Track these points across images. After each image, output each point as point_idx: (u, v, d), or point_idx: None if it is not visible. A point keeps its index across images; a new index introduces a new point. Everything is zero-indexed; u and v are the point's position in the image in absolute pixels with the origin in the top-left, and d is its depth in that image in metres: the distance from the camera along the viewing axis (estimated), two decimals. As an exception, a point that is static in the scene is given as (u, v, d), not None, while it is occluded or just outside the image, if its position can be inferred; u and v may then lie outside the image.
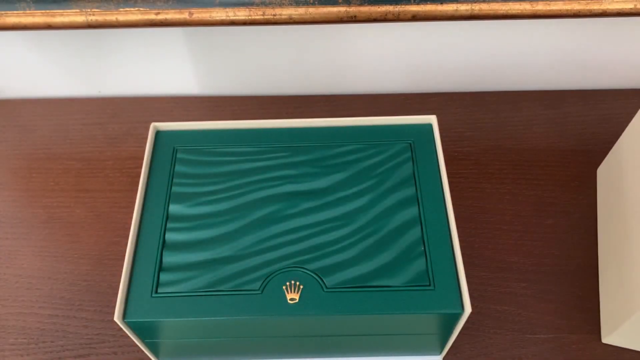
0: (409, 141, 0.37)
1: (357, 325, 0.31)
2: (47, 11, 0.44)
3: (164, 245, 0.32)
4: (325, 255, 0.32)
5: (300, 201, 0.34)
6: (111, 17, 0.44)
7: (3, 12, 0.44)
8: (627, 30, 0.50)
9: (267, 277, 0.31)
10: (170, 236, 0.33)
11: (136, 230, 0.33)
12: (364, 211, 0.33)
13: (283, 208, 0.34)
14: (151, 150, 0.36)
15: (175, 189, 0.34)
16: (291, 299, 0.30)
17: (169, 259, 0.32)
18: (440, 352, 0.35)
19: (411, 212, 0.33)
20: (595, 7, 0.44)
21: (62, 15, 0.44)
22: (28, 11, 0.44)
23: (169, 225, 0.33)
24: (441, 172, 0.35)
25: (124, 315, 0.30)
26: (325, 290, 0.31)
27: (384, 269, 0.31)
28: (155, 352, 0.34)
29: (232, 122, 0.37)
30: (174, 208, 0.34)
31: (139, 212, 0.33)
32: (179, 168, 0.35)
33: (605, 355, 0.37)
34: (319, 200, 0.34)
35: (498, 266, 0.42)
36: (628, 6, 0.45)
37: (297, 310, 0.30)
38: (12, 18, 0.44)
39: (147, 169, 0.35)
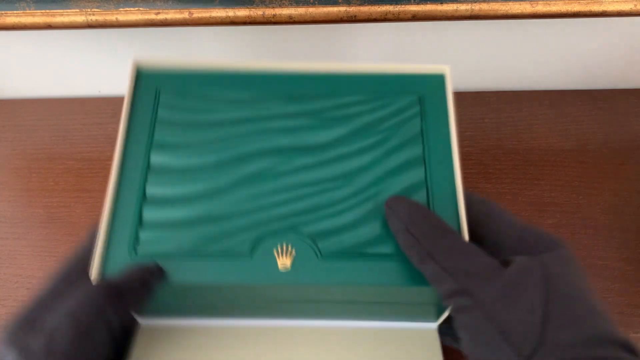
0: (418, 94, 0.32)
1: (352, 294, 0.29)
2: (47, 11, 0.44)
3: (144, 199, 0.29)
4: (321, 218, 0.29)
5: (296, 157, 0.31)
6: (111, 17, 0.44)
7: (3, 12, 0.44)
8: (626, 30, 0.50)
9: (257, 240, 0.28)
10: (151, 190, 0.30)
11: (115, 183, 0.29)
12: (365, 171, 0.30)
13: (276, 164, 0.30)
14: (132, 91, 0.32)
15: (157, 137, 0.31)
16: (282, 265, 0.28)
17: (150, 215, 0.29)
18: (436, 320, 0.32)
19: (417, 174, 0.30)
20: (595, 7, 0.44)
21: (62, 15, 0.44)
22: (28, 11, 0.44)
23: (150, 177, 0.30)
24: (451, 131, 0.31)
25: (101, 276, 0.27)
26: (319, 257, 0.28)
27: (385, 236, 0.29)
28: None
29: (222, 60, 0.33)
30: (156, 159, 0.30)
31: (119, 162, 0.30)
32: (162, 113, 0.31)
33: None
34: (316, 156, 0.31)
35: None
36: (628, 7, 0.45)
37: (289, 278, 0.27)
38: (11, 18, 0.44)
39: (127, 113, 0.31)
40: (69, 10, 0.44)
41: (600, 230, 0.45)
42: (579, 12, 0.45)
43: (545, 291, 0.23)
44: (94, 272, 0.27)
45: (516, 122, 0.53)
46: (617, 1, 0.44)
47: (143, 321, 0.32)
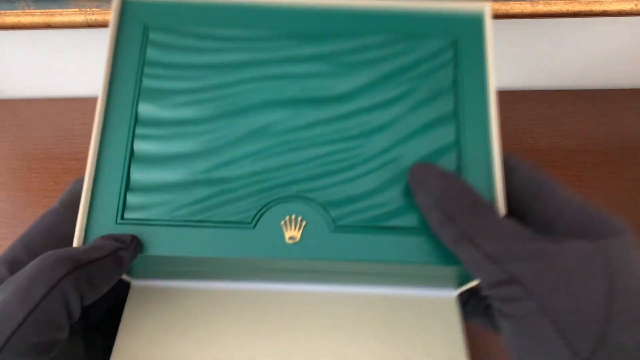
0: (451, 37, 0.27)
1: (368, 269, 0.26)
2: (47, 10, 0.44)
3: (131, 157, 0.26)
4: (335, 184, 0.25)
5: (307, 110, 0.26)
6: (111, 16, 0.44)
7: (2, 12, 0.44)
8: (627, 29, 0.50)
9: (262, 208, 0.25)
10: (139, 146, 0.26)
11: (98, 138, 0.25)
12: (386, 129, 0.26)
13: (284, 118, 0.26)
14: (116, 28, 0.27)
15: (146, 82, 0.26)
16: (290, 238, 0.25)
17: (139, 175, 0.25)
18: (457, 288, 0.29)
19: (447, 134, 0.26)
20: (596, 7, 0.44)
21: (61, 14, 0.44)
22: (27, 10, 0.44)
23: (139, 131, 0.26)
24: (489, 82, 0.27)
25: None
26: (332, 229, 0.25)
27: (408, 207, 0.25)
28: (127, 272, 0.29)
29: None
30: (144, 109, 0.26)
31: (102, 112, 0.26)
32: (151, 54, 0.27)
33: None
34: (330, 110, 0.26)
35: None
36: (628, 6, 0.45)
37: (297, 252, 0.24)
38: (11, 17, 0.44)
39: (111, 55, 0.27)
40: (68, 10, 0.44)
41: (600, 230, 0.45)
42: (580, 11, 0.45)
43: (608, 283, 0.19)
44: (75, 241, 0.24)
45: (516, 122, 0.53)
46: (617, 1, 0.44)
47: (134, 282, 0.29)
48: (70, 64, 0.54)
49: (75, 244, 0.24)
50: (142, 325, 0.27)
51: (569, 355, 0.19)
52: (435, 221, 0.23)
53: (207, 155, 0.26)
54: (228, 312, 0.28)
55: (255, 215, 0.25)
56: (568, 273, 0.20)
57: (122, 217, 0.25)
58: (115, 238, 0.23)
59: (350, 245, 0.25)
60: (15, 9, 0.44)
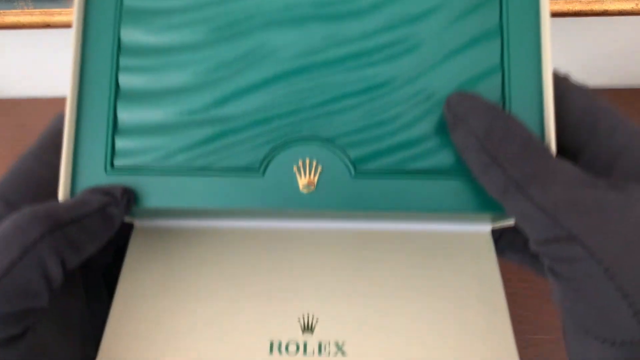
0: None
1: (395, 215, 0.24)
2: (46, 10, 0.44)
3: (117, 94, 0.22)
4: (355, 120, 0.22)
5: (320, 30, 0.22)
6: None
7: (1, 11, 0.44)
8: (627, 29, 0.50)
9: (271, 151, 0.22)
10: (125, 80, 0.22)
11: (77, 72, 0.22)
12: (416, 51, 0.22)
13: (294, 41, 0.22)
14: None
15: (128, 1, 0.22)
16: (305, 186, 0.21)
17: (127, 115, 0.22)
18: (491, 224, 0.26)
19: (490, 54, 0.22)
20: (597, 6, 0.44)
21: (60, 14, 0.44)
22: (26, 10, 0.44)
23: (123, 62, 0.22)
24: None
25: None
26: (353, 174, 0.22)
27: (442, 146, 0.22)
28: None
29: None
30: (128, 34, 0.22)
31: (78, 40, 0.22)
32: None
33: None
34: (349, 29, 0.22)
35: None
36: (629, 6, 0.44)
37: (312, 202, 0.21)
38: (10, 17, 0.44)
39: None
40: (67, 10, 0.44)
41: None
42: (580, 11, 0.44)
43: None
44: (61, 194, 0.21)
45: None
46: (618, 0, 0.44)
47: (138, 222, 0.26)
48: (70, 64, 0.54)
49: (60, 197, 0.21)
50: (146, 269, 0.25)
51: (637, 327, 0.16)
52: (477, 165, 0.19)
53: (205, 89, 0.22)
54: (239, 251, 0.25)
55: (263, 160, 0.22)
56: (638, 230, 0.16)
57: (112, 165, 0.22)
58: (104, 192, 0.20)
59: (374, 193, 0.21)
60: (14, 8, 0.44)
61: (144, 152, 0.22)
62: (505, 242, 0.25)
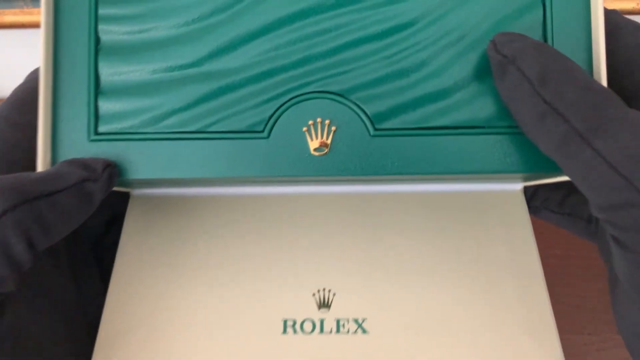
0: None
1: (422, 179, 0.22)
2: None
3: (97, 48, 0.19)
4: (373, 71, 0.19)
5: None
6: None
7: (1, 11, 0.43)
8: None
9: (277, 110, 0.19)
10: (106, 31, 0.19)
11: (51, 24, 0.19)
12: None
13: None
14: None
15: None
16: (317, 149, 0.19)
17: (109, 73, 0.19)
18: (524, 181, 0.24)
19: None
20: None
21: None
22: (25, 9, 0.43)
23: (103, 9, 0.19)
24: None
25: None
26: (372, 133, 0.19)
27: (476, 97, 0.19)
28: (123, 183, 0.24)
29: None
30: None
31: None
32: None
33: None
34: None
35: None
36: (629, 5, 0.45)
37: (326, 167, 0.19)
38: (9, 17, 0.44)
39: None
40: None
41: None
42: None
43: None
44: (40, 165, 0.19)
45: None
46: (618, 0, 0.45)
47: (134, 191, 0.24)
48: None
49: (39, 168, 0.19)
50: (145, 240, 0.23)
51: None
52: (530, 115, 0.17)
53: (198, 40, 0.19)
54: (245, 221, 0.23)
55: (268, 120, 0.19)
56: None
57: (97, 132, 0.19)
58: (84, 165, 0.18)
59: (397, 154, 0.19)
60: (13, 7, 0.43)
61: (131, 116, 0.19)
62: (540, 200, 0.23)
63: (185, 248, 0.23)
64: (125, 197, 0.24)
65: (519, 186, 0.24)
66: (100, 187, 0.18)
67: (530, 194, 0.23)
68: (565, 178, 0.21)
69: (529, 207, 0.23)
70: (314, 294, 0.22)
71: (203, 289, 0.23)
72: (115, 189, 0.23)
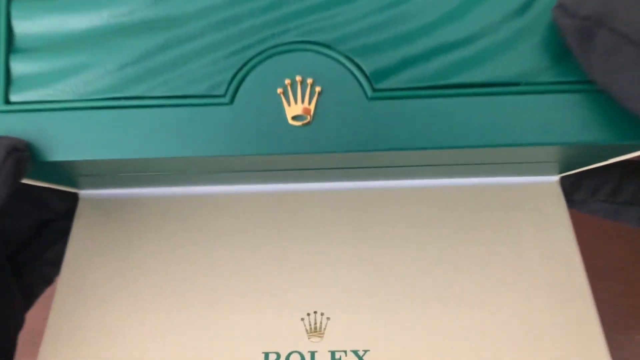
0: None
1: (432, 159, 0.17)
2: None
3: None
4: (369, 15, 0.15)
5: None
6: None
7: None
8: None
9: (243, 67, 0.15)
10: None
11: None
12: None
13: None
14: None
15: None
16: (296, 117, 0.15)
17: (25, 23, 0.15)
18: (559, 173, 0.21)
19: None
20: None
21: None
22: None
23: None
24: None
25: None
26: (370, 95, 0.15)
27: (508, 47, 0.15)
28: (68, 182, 0.20)
29: None
30: None
31: None
32: None
33: None
34: None
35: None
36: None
37: (310, 143, 0.15)
38: None
39: None
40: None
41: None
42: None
43: None
44: None
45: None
46: None
47: (83, 192, 0.21)
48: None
49: None
50: (94, 247, 0.20)
51: None
52: (630, 82, 0.13)
53: None
54: (212, 224, 0.20)
55: (231, 81, 0.15)
56: None
57: (7, 101, 0.15)
58: None
59: (402, 123, 0.14)
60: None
61: (52, 79, 0.15)
62: (587, 192, 0.21)
63: (141, 260, 0.19)
64: (66, 199, 0.21)
65: (555, 177, 0.20)
66: (2, 179, 0.14)
67: (571, 186, 0.21)
68: (612, 160, 0.17)
69: (570, 201, 0.21)
70: (302, 319, 0.18)
71: (161, 311, 0.19)
72: (54, 186, 0.20)
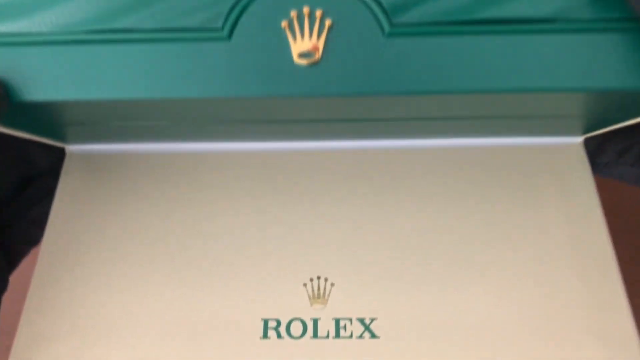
0: None
1: (451, 108, 0.16)
2: None
3: None
4: None
5: None
6: None
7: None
8: None
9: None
10: None
11: None
12: None
13: None
14: None
15: None
16: (303, 55, 0.13)
17: None
18: (583, 133, 0.19)
19: None
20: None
21: None
22: None
23: None
24: None
25: None
26: (387, 31, 0.13)
27: None
28: (53, 135, 0.19)
29: None
30: None
31: None
32: None
33: None
34: None
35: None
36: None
37: (318, 84, 0.13)
38: None
39: None
40: None
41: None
42: None
43: None
44: None
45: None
46: None
47: (70, 147, 0.20)
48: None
49: None
50: (81, 206, 0.19)
51: None
52: None
53: None
54: (205, 182, 0.19)
55: (229, 13, 0.13)
56: None
57: None
58: None
59: (422, 62, 0.13)
60: None
61: (29, 8, 0.13)
62: (613, 155, 0.19)
63: (132, 221, 0.18)
64: (53, 154, 0.19)
65: (579, 138, 0.19)
66: None
67: (596, 148, 0.19)
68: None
69: (593, 165, 0.19)
70: (305, 284, 0.17)
71: (154, 275, 0.17)
72: (39, 139, 0.18)
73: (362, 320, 0.16)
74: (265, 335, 0.16)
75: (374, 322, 0.16)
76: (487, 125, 0.17)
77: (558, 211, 0.18)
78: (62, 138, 0.19)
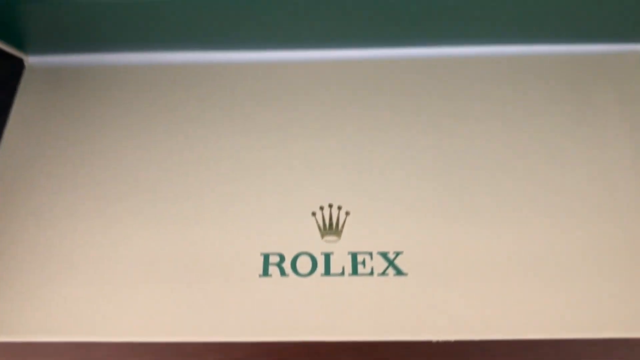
0: None
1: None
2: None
3: None
4: None
5: None
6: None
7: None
8: None
9: None
10: None
11: None
12: None
13: None
14: None
15: None
16: None
17: None
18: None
19: None
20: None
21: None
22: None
23: None
24: None
25: None
26: None
27: None
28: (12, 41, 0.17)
29: None
30: None
31: None
32: None
33: None
34: None
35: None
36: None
37: None
38: None
39: None
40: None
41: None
42: None
43: None
44: None
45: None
46: None
47: (31, 58, 0.18)
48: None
49: None
50: (41, 123, 0.17)
51: None
52: None
53: None
54: (192, 93, 0.17)
55: None
56: None
57: None
58: None
59: None
60: None
61: None
62: None
63: (104, 144, 0.16)
64: (10, 64, 0.17)
65: (637, 46, 0.17)
66: None
67: None
68: None
69: None
70: (314, 213, 0.14)
71: (132, 204, 0.15)
72: None
73: (384, 255, 0.13)
74: (265, 273, 0.13)
75: (400, 257, 0.13)
76: (530, 26, 0.15)
77: (620, 124, 0.16)
78: (21, 46, 0.17)
